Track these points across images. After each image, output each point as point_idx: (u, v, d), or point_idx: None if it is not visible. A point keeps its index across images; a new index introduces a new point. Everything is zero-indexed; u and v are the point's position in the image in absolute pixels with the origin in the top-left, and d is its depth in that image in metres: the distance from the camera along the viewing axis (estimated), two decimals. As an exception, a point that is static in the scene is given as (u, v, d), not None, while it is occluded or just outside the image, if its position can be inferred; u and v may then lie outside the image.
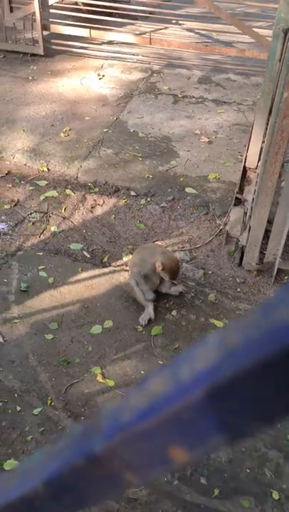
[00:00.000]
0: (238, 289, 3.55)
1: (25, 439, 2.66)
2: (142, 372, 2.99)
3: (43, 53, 6.00)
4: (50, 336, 3.15)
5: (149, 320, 3.25)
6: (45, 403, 2.81)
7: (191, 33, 6.31)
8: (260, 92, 4.00)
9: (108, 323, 3.25)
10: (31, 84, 5.61)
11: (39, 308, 3.33)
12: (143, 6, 6.20)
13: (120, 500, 2.44)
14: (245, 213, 3.68)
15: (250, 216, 3.59)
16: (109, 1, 5.94)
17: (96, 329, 3.21)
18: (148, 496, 2.46)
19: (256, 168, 4.08)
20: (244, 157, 4.17)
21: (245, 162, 4.13)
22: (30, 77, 5.72)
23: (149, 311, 3.27)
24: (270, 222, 3.48)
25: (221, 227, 3.99)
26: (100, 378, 2.94)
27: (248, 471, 2.57)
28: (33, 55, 6.05)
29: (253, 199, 3.53)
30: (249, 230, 3.52)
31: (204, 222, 4.07)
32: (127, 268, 3.54)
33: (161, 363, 3.04)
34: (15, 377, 2.93)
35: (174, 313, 3.34)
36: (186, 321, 3.31)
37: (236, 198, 3.90)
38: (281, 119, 2.90)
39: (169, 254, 3.33)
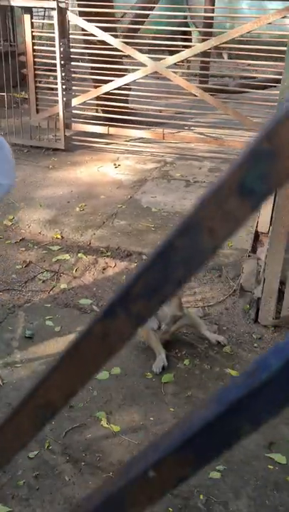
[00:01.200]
0: (255, 344, 3.33)
1: (17, 484, 2.32)
2: (151, 419, 2.70)
3: (64, 148, 6.44)
4: (52, 381, 2.91)
5: (163, 367, 3.02)
6: (43, 446, 2.51)
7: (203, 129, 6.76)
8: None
9: (115, 370, 3.02)
10: (51, 171, 5.95)
11: (43, 354, 3.13)
12: (156, 117, 6.76)
13: None
14: (259, 268, 3.60)
15: (264, 270, 3.51)
16: (125, 108, 6.52)
17: (103, 375, 2.97)
18: None
19: (268, 233, 4.09)
20: (256, 222, 4.21)
21: (257, 227, 4.16)
22: (50, 166, 6.09)
23: (162, 357, 3.05)
24: (282, 282, 3.41)
25: (235, 287, 3.88)
26: (104, 423, 2.65)
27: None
28: (54, 149, 6.51)
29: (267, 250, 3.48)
30: (264, 281, 3.41)
31: (217, 283, 3.98)
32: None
33: (172, 410, 2.75)
34: (11, 419, 2.65)
35: (186, 362, 3.11)
36: (200, 370, 3.06)
37: (249, 255, 3.85)
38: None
39: None
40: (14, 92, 6.87)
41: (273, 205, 3.58)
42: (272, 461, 2.45)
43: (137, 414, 2.73)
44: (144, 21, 8.29)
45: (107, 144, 6.47)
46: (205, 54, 8.02)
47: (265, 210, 4.07)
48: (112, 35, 5.79)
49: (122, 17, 9.13)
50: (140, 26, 7.92)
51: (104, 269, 4.16)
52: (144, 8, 9.06)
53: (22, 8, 5.84)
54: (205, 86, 6.63)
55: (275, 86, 6.63)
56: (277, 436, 2.59)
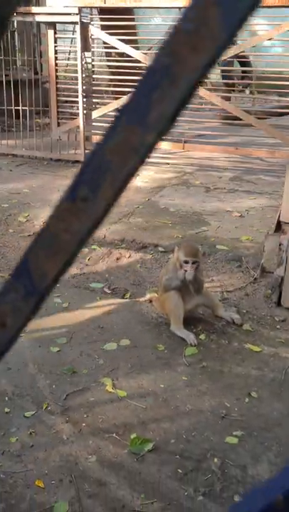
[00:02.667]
0: (278, 326, 3.07)
1: (9, 440, 2.08)
2: (162, 386, 2.44)
3: (83, 160, 6.44)
4: (56, 349, 2.70)
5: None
6: (41, 407, 2.27)
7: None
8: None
9: (125, 342, 2.79)
10: (69, 180, 5.91)
11: (48, 326, 2.93)
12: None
13: (122, 513, 1.76)
14: (282, 247, 3.38)
15: (286, 250, 3.29)
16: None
17: (110, 346, 2.75)
18: (161, 510, 1.77)
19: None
20: (278, 213, 4.02)
21: (279, 217, 3.97)
22: (69, 175, 6.07)
23: (186, 332, 2.83)
24: None
25: (256, 276, 3.66)
26: (109, 388, 2.40)
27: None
28: (74, 161, 6.52)
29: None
30: (287, 260, 3.19)
31: (237, 273, 3.76)
32: (153, 303, 3.19)
33: (185, 378, 2.49)
34: (9, 382, 2.44)
35: (202, 337, 2.87)
36: (217, 344, 2.81)
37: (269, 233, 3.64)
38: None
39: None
40: (37, 118, 7.04)
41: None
42: (297, 429, 2.16)
43: (146, 381, 2.47)
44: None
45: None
46: (226, 91, 8.19)
47: (288, 202, 3.90)
48: (133, 47, 5.90)
49: (149, 50, 9.42)
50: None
51: (118, 258, 3.99)
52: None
53: (46, 24, 6.04)
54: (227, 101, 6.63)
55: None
56: (303, 406, 2.30)
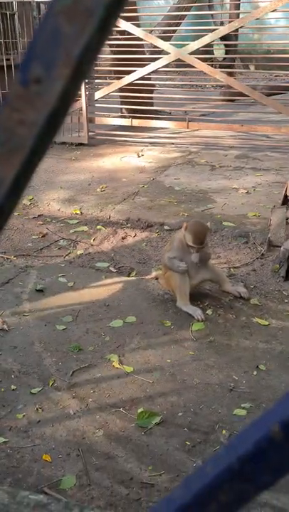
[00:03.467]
0: (286, 300, 3.03)
1: (16, 417, 2.07)
2: (168, 361, 2.42)
3: (87, 142, 6.39)
4: (61, 327, 2.69)
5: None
6: (47, 384, 2.26)
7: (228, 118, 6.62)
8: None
9: (131, 319, 2.77)
10: (73, 162, 5.88)
11: (53, 305, 2.92)
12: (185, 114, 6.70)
13: (130, 485, 1.74)
14: (288, 220, 3.32)
15: (294, 223, 3.24)
16: (149, 99, 6.46)
17: (116, 323, 2.72)
18: (170, 482, 1.76)
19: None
20: (285, 187, 3.95)
21: (286, 191, 3.90)
22: (73, 158, 6.02)
23: (193, 308, 2.79)
24: None
25: (263, 251, 3.60)
26: (116, 364, 2.38)
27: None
28: (78, 144, 6.47)
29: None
30: (294, 233, 3.14)
31: (244, 249, 3.71)
32: (159, 281, 3.15)
33: (192, 353, 2.47)
34: (15, 360, 2.43)
35: (209, 312, 2.83)
36: (224, 319, 2.78)
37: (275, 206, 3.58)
38: None
39: (199, 220, 3.07)
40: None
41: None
42: (306, 400, 2.12)
43: (153, 356, 2.45)
44: (172, 37, 8.36)
45: (131, 137, 6.39)
46: (230, 67, 8.05)
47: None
48: (134, 24, 5.79)
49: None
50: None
51: (123, 238, 3.95)
52: (170, 25, 9.20)
53: (46, 4, 5.94)
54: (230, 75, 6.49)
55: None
56: (313, 377, 2.27)
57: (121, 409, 2.10)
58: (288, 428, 0.31)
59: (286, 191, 3.93)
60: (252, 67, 10.86)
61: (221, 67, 8.35)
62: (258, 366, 2.35)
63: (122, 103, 6.62)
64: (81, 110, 6.33)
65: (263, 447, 0.31)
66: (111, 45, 6.24)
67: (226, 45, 8.99)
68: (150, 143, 6.37)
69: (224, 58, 9.32)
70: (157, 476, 1.78)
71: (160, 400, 2.15)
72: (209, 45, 6.10)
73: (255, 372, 2.31)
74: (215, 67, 8.11)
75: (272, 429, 0.32)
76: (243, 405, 2.10)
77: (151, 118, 6.19)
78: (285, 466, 0.31)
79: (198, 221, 2.95)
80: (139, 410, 2.06)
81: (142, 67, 5.91)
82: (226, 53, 8.59)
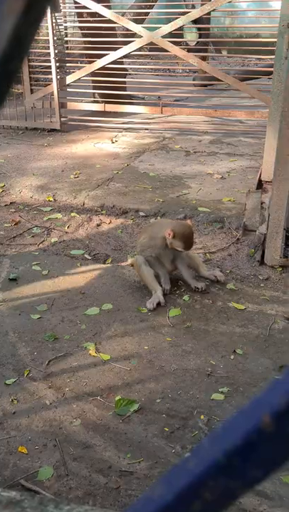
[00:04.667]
0: (262, 284, 3.04)
1: (-10, 409, 2.02)
2: (146, 347, 2.39)
3: (59, 128, 6.27)
4: (36, 316, 2.63)
5: (158, 304, 2.72)
6: (22, 374, 2.21)
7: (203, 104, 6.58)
8: (270, 95, 3.89)
9: (107, 306, 2.73)
10: (46, 148, 5.76)
11: (28, 294, 2.86)
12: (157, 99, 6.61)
13: (109, 474, 1.72)
14: (264, 205, 3.32)
15: (268, 206, 3.23)
16: (123, 90, 6.36)
17: (92, 311, 2.68)
18: (149, 469, 1.74)
19: (271, 182, 3.82)
20: (259, 172, 3.95)
21: (260, 176, 3.90)
22: (45, 144, 5.90)
23: (158, 295, 2.76)
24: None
25: (238, 236, 3.60)
26: (92, 352, 2.35)
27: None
28: (50, 130, 6.33)
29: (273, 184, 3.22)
30: (268, 217, 3.14)
31: (219, 234, 3.70)
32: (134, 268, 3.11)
33: (169, 339, 2.45)
34: (-12, 351, 2.37)
35: (186, 298, 2.82)
36: (201, 304, 2.76)
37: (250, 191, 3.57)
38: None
39: (181, 221, 2.94)
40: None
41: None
42: (283, 383, 2.13)
43: (130, 344, 2.43)
44: (144, 19, 8.21)
45: (104, 122, 6.29)
46: (203, 51, 7.96)
47: (268, 160, 3.83)
48: (104, 6, 5.66)
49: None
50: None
51: (98, 225, 3.90)
52: (142, 8, 9.03)
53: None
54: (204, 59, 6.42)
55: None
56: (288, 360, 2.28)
57: (98, 398, 2.07)
58: (280, 418, 0.27)
59: (260, 176, 3.93)
60: (224, 52, 10.80)
61: (193, 51, 8.27)
62: (235, 350, 2.35)
63: (95, 88, 6.50)
64: (52, 95, 6.19)
65: (252, 440, 0.28)
66: (82, 28, 6.10)
67: (198, 29, 8.91)
68: (124, 129, 6.29)
69: (197, 42, 9.23)
70: (136, 463, 1.76)
71: (138, 387, 2.13)
72: (182, 29, 6.03)
73: (232, 357, 2.31)
74: (188, 52, 8.02)
75: (262, 420, 0.29)
76: (220, 390, 2.10)
77: (125, 103, 6.10)
78: (276, 460, 0.28)
79: (182, 225, 2.81)
80: (117, 398, 2.03)
81: (114, 50, 5.80)
82: (198, 37, 8.51)
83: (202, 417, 1.96)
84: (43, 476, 1.71)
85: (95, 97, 6.77)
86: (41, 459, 1.79)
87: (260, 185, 3.86)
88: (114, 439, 1.87)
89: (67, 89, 6.29)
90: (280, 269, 3.16)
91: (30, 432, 1.90)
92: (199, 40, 8.51)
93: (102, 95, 6.40)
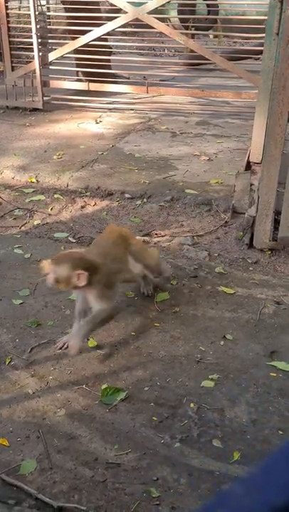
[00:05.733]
0: (251, 268, 2.97)
1: (-27, 397, 1.92)
2: (133, 333, 2.31)
3: (42, 107, 6.07)
4: (18, 301, 2.53)
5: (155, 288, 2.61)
6: (3, 363, 2.12)
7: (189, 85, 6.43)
8: (260, 74, 3.78)
9: (92, 291, 2.63)
10: (28, 128, 5.57)
11: (9, 278, 2.74)
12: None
13: (95, 466, 1.64)
14: (253, 187, 3.23)
15: (258, 188, 3.15)
16: (106, 61, 6.18)
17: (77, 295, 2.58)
18: (137, 460, 1.67)
19: (260, 163, 3.74)
20: (248, 153, 3.85)
21: (248, 157, 3.80)
22: (27, 124, 5.71)
23: (152, 280, 2.62)
24: (278, 212, 3.06)
25: (226, 219, 3.52)
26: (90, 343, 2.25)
27: (281, 432, 1.78)
28: (32, 110, 6.14)
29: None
30: (258, 199, 3.06)
31: (207, 217, 3.61)
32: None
33: (157, 325, 2.37)
34: None
35: (173, 282, 2.73)
36: (189, 289, 2.68)
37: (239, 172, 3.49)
38: (285, 44, 2.64)
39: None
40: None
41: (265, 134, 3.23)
42: (274, 369, 2.08)
43: (116, 329, 2.34)
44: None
45: (88, 102, 6.12)
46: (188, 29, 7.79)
47: (257, 141, 3.73)
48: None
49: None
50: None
51: (82, 207, 3.78)
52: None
53: None
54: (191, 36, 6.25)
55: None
56: (280, 346, 2.22)
57: (84, 387, 1.98)
58: None
59: (249, 157, 3.83)
60: (211, 36, 10.59)
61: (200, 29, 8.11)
62: (224, 336, 2.28)
63: (78, 66, 6.30)
64: (34, 73, 5.98)
65: None
66: (64, 2, 5.88)
67: (207, 5, 8.68)
68: (109, 109, 6.12)
69: (206, 19, 8.98)
70: (124, 454, 1.69)
71: (125, 375, 2.05)
72: (165, 5, 5.85)
73: (222, 343, 2.24)
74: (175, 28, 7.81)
75: None
76: (210, 377, 2.03)
77: (109, 82, 5.92)
78: None
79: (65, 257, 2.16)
80: (103, 386, 1.95)
81: (98, 26, 5.60)
82: (178, 13, 8.29)
83: (192, 405, 1.89)
84: (25, 469, 1.63)
85: (78, 76, 6.58)
86: (24, 451, 1.70)
87: (248, 166, 3.77)
88: (101, 429, 1.79)
89: (50, 67, 6.08)
90: (269, 252, 3.09)
91: (12, 423, 1.81)
92: (208, 17, 8.26)
93: (85, 74, 6.21)
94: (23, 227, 3.43)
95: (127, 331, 2.33)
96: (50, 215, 3.64)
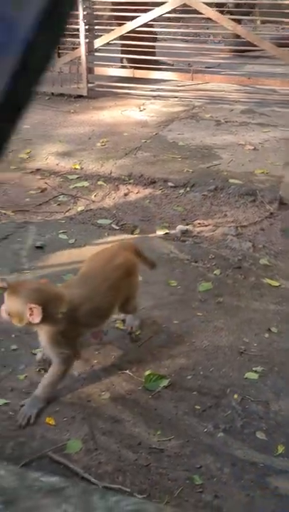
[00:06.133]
0: (296, 261, 2.91)
1: (17, 378, 1.98)
2: (176, 322, 2.32)
3: (86, 94, 6.10)
4: (63, 286, 2.57)
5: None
6: (49, 345, 2.15)
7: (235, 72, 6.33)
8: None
9: (135, 278, 2.64)
10: (72, 115, 5.62)
11: (54, 263, 2.80)
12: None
13: (139, 450, 1.67)
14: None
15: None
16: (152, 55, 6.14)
17: (120, 282, 2.60)
18: (180, 447, 1.68)
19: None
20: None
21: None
22: (72, 111, 5.76)
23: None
24: None
25: (272, 210, 3.46)
26: (120, 325, 2.28)
27: None
28: (77, 96, 6.18)
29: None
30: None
31: (251, 207, 3.56)
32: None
33: (200, 314, 2.37)
34: (15, 319, 2.31)
35: (216, 272, 2.72)
36: (233, 279, 2.66)
37: None
38: None
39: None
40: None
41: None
42: None
43: (159, 317, 2.35)
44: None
45: (132, 89, 6.10)
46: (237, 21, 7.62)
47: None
48: None
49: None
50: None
51: (125, 194, 3.79)
52: None
53: None
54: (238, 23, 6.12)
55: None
56: None
57: (127, 372, 2.01)
58: None
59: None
60: (258, 22, 10.35)
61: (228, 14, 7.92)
62: (269, 329, 2.26)
63: (123, 52, 6.28)
64: (80, 60, 6.01)
65: None
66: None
67: None
68: (152, 96, 6.09)
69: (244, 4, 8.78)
70: (166, 441, 1.70)
71: (168, 363, 2.06)
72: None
73: (266, 335, 2.22)
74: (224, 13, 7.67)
75: None
76: (254, 369, 2.02)
77: (154, 69, 5.89)
78: None
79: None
80: (147, 373, 1.97)
81: (144, 12, 5.57)
82: None
83: (235, 396, 1.88)
84: (71, 449, 1.67)
85: (122, 63, 6.56)
86: (70, 431, 1.74)
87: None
88: (144, 414, 1.81)
89: (95, 54, 6.09)
90: (317, 246, 3.02)
91: (58, 404, 1.85)
92: (258, 2, 8.05)
93: (130, 60, 6.18)
94: (67, 213, 3.48)
95: (170, 320, 2.33)
96: (93, 201, 3.67)
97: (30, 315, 1.69)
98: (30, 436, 1.72)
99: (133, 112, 5.62)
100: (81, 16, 5.68)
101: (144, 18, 5.55)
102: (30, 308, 1.67)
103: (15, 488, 1.03)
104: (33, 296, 1.71)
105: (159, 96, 6.07)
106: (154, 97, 6.09)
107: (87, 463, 1.62)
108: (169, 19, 6.79)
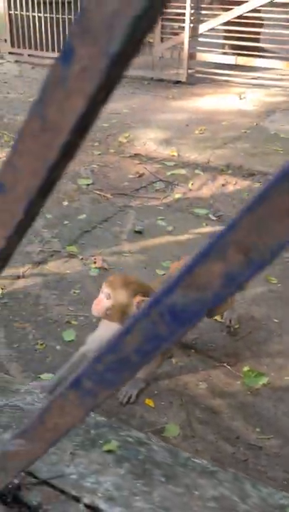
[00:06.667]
0: None
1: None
2: (275, 320, 2.28)
3: (185, 80, 6.08)
4: (161, 272, 2.61)
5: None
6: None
7: None
8: None
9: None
10: (170, 101, 5.63)
11: (152, 248, 2.84)
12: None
13: (236, 444, 1.68)
14: None
15: None
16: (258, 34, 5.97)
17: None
18: (279, 447, 1.67)
19: None
20: None
21: None
22: (170, 96, 5.77)
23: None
24: None
25: None
26: (218, 318, 2.28)
27: None
28: (176, 82, 6.17)
29: None
30: None
31: None
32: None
33: None
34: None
35: None
36: None
37: None
38: None
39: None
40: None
41: None
42: None
43: (258, 313, 2.32)
44: None
45: (232, 76, 5.99)
46: None
47: None
48: None
49: None
50: None
51: (223, 185, 3.75)
52: None
53: None
54: None
55: None
56: None
57: (225, 365, 2.01)
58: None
59: None
60: None
61: None
62: None
63: (226, 38, 6.17)
64: (182, 45, 5.98)
65: None
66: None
67: None
68: (253, 84, 5.95)
69: None
70: (265, 439, 1.69)
71: (267, 361, 2.04)
72: None
73: None
74: None
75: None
76: None
77: (258, 56, 5.73)
78: None
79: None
80: (245, 368, 1.96)
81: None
82: None
83: None
84: (169, 432, 1.71)
85: (224, 49, 6.45)
86: (167, 415, 1.78)
87: None
88: (242, 409, 1.81)
89: (198, 40, 6.03)
90: None
91: (157, 387, 1.90)
92: None
93: (233, 47, 6.06)
94: (164, 200, 3.51)
95: (269, 317, 2.30)
96: (190, 190, 3.67)
97: (137, 307, 1.70)
98: (131, 415, 1.78)
99: (232, 100, 5.53)
100: (188, 1, 5.63)
101: (252, 3, 5.40)
102: (138, 302, 1.70)
103: (170, 464, 1.07)
104: (139, 290, 1.74)
105: (260, 84, 5.92)
106: (255, 85, 5.95)
107: (184, 448, 1.64)
108: (273, 4, 6.56)
